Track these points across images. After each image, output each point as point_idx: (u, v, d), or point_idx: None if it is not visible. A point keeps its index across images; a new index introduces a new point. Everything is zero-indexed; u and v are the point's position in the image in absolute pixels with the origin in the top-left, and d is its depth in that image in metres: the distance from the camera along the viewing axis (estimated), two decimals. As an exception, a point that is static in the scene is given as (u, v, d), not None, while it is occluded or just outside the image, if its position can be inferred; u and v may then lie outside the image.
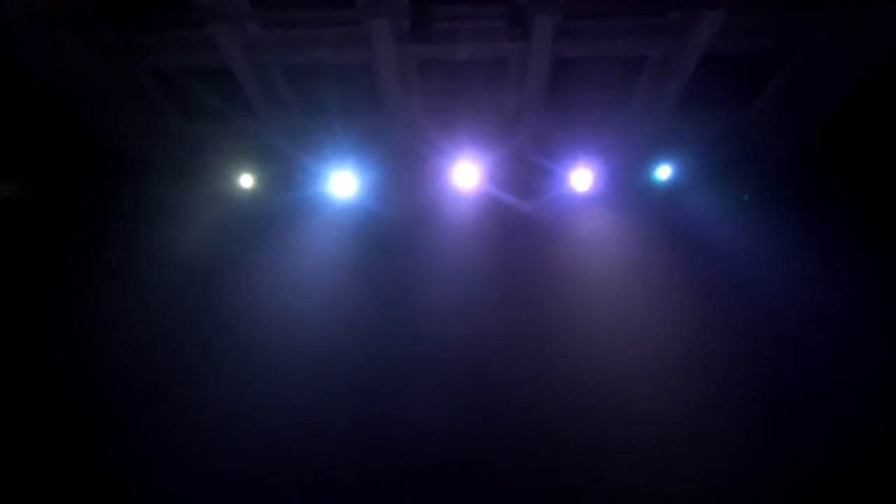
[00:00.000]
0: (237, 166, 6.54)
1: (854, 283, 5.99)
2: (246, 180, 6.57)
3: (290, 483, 5.74)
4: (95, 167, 6.27)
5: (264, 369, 6.15)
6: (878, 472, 5.41)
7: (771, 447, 5.68)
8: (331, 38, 5.27)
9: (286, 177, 6.59)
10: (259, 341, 6.28)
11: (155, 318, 6.37)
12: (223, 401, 5.98)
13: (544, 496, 5.62)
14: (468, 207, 6.68)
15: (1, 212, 6.03)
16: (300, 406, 5.94)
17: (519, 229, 6.62)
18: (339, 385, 6.06)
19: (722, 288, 6.34)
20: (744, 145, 6.27)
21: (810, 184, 6.13)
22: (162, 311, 6.40)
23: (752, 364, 6.00)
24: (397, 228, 6.66)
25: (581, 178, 6.38)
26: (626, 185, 6.56)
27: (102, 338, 6.24)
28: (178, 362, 6.17)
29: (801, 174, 6.18)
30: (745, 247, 6.44)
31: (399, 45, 5.24)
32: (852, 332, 5.91)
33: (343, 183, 6.46)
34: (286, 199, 6.70)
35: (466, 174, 6.33)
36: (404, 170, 6.45)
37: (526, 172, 6.39)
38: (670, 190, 6.54)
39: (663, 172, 6.44)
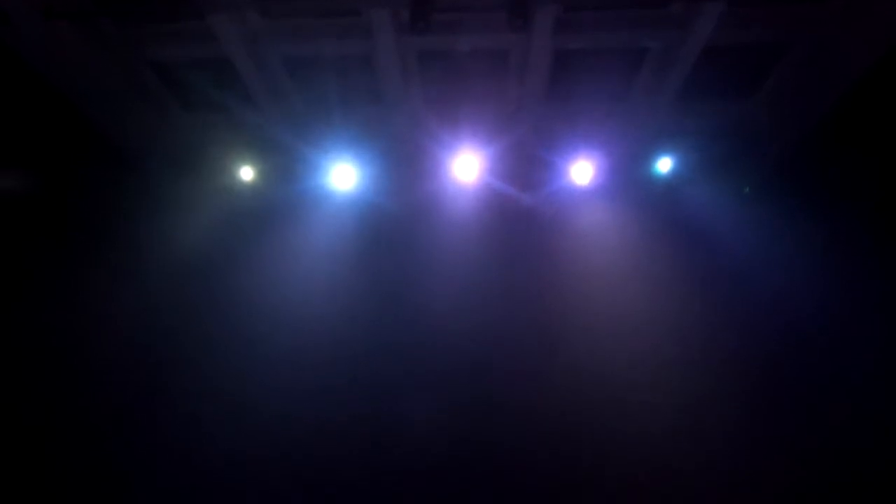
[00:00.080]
0: (237, 159, 6.53)
1: (855, 276, 5.97)
2: (246, 173, 6.57)
3: (290, 477, 5.73)
4: (95, 160, 6.25)
5: (264, 363, 6.13)
6: (878, 465, 5.40)
7: (771, 441, 5.67)
8: (331, 29, 5.26)
9: (287, 169, 6.58)
10: (259, 335, 6.27)
11: (155, 311, 6.37)
12: (223, 394, 5.97)
13: (545, 491, 5.60)
14: (469, 200, 6.67)
15: (1, 205, 6.02)
16: (300, 400, 5.92)
17: (519, 222, 6.61)
18: (340, 379, 6.04)
19: (722, 281, 6.32)
20: (745, 138, 6.26)
21: (811, 177, 6.12)
22: (162, 304, 6.39)
23: (752, 357, 5.98)
24: (398, 221, 6.65)
25: (582, 170, 6.37)
26: (626, 178, 6.55)
27: (102, 331, 6.23)
28: (178, 355, 6.17)
29: (803, 167, 6.17)
30: (746, 240, 6.42)
31: (399, 35, 5.23)
32: (853, 326, 5.90)
33: (343, 175, 6.46)
34: (287, 192, 6.69)
35: (467, 166, 6.33)
36: (405, 162, 6.45)
37: (526, 165, 6.39)
38: (671, 183, 6.53)
39: (664, 165, 6.43)
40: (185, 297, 6.45)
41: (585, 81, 5.78)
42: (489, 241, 6.58)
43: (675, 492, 5.54)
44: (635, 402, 5.85)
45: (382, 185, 6.62)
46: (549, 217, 6.62)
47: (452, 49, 5.43)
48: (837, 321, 5.94)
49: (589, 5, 5.07)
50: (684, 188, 6.56)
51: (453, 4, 4.92)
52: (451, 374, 6.03)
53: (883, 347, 5.74)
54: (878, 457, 5.42)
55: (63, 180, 6.24)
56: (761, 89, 5.87)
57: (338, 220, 6.74)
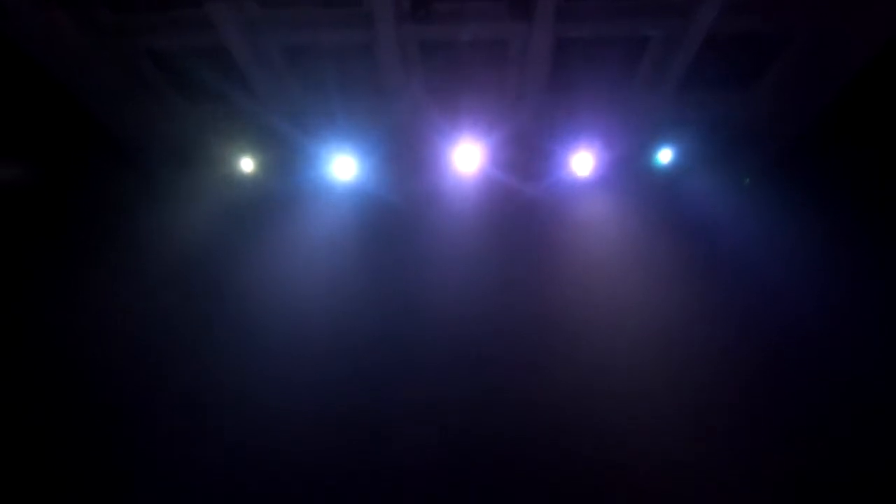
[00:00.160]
0: (237, 150, 6.50)
1: (855, 267, 5.97)
2: (246, 164, 6.54)
3: (290, 469, 5.74)
4: (93, 151, 6.23)
5: (265, 354, 6.14)
6: (878, 456, 5.41)
7: (771, 431, 5.68)
8: (331, 18, 5.22)
9: (287, 160, 6.56)
10: (260, 326, 6.27)
11: (154, 302, 6.34)
12: (224, 387, 5.98)
13: (545, 482, 5.62)
14: (469, 191, 6.65)
15: (0, 196, 5.99)
16: (300, 392, 5.93)
17: (520, 213, 6.60)
18: (339, 370, 6.05)
19: (722, 272, 6.33)
20: (746, 129, 6.25)
21: (812, 168, 6.12)
22: (161, 295, 6.37)
23: (752, 348, 5.99)
24: (398, 212, 6.64)
25: (582, 161, 6.36)
26: (627, 169, 6.54)
27: (102, 324, 6.20)
28: (177, 347, 6.15)
29: (803, 158, 6.16)
30: (746, 231, 6.43)
31: (400, 24, 5.19)
32: (853, 316, 5.91)
33: (344, 166, 6.44)
34: (287, 183, 6.68)
35: (468, 156, 6.32)
36: (405, 152, 6.43)
37: (528, 155, 6.38)
38: (671, 174, 6.52)
39: (664, 156, 6.42)
40: (185, 288, 6.43)
41: (586, 71, 5.75)
42: (490, 231, 6.58)
43: (674, 482, 5.55)
44: (635, 393, 5.86)
45: (383, 176, 6.60)
46: (550, 208, 6.60)
47: (453, 38, 5.40)
48: (837, 311, 5.94)
49: (590, -6, 5.04)
50: (685, 179, 6.56)
51: (454, -7, 4.89)
52: (451, 366, 6.03)
53: (882, 339, 5.75)
54: (878, 448, 5.43)
55: (61, 171, 6.21)
56: (762, 80, 5.86)
57: (338, 211, 6.73)
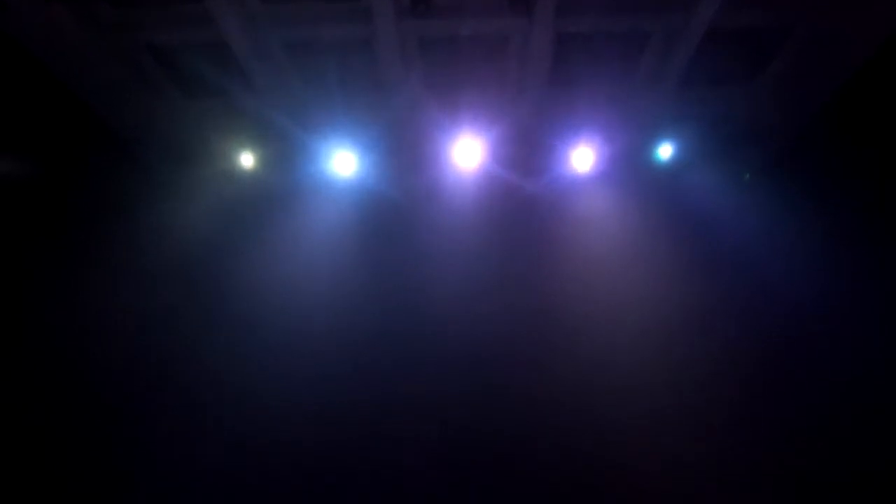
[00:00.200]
0: (237, 145, 6.50)
1: (855, 262, 5.97)
2: (246, 159, 6.54)
3: (290, 463, 5.73)
4: (94, 146, 6.21)
5: (265, 350, 6.12)
6: (877, 452, 5.42)
7: (772, 427, 5.68)
8: (331, 13, 5.21)
9: (287, 156, 6.55)
10: (260, 322, 6.26)
11: (155, 298, 6.34)
12: (225, 382, 5.96)
13: (545, 479, 5.61)
14: (469, 186, 6.65)
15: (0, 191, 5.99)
16: (300, 387, 5.92)
17: (520, 208, 6.60)
18: (340, 366, 6.03)
19: (723, 267, 6.32)
20: (746, 124, 6.25)
21: (812, 164, 6.12)
22: (162, 291, 6.37)
23: (752, 344, 5.99)
24: (398, 208, 6.63)
25: (582, 156, 6.35)
26: (627, 164, 6.54)
27: (102, 320, 6.19)
28: (178, 342, 6.14)
29: (804, 154, 6.16)
30: (746, 227, 6.43)
31: (400, 19, 5.18)
32: (853, 311, 5.91)
33: (344, 162, 6.43)
34: (287, 179, 6.67)
35: (468, 152, 6.31)
36: (405, 147, 6.42)
37: (528, 150, 6.37)
38: (672, 169, 6.52)
39: (665, 151, 6.41)
40: (184, 283, 6.43)
41: (587, 66, 5.74)
42: (490, 227, 6.57)
43: (674, 478, 5.55)
44: (635, 389, 5.86)
45: (383, 172, 6.59)
46: (550, 204, 6.60)
47: (453, 33, 5.39)
48: (837, 308, 5.94)
49: (591, -12, 5.04)
50: (685, 175, 6.55)
51: (455, -13, 4.89)
52: (451, 361, 6.03)
53: (883, 336, 5.75)
54: (878, 445, 5.43)
55: (61, 166, 6.19)
56: (763, 75, 5.85)
57: (338, 206, 6.72)
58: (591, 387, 5.87)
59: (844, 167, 5.93)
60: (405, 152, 6.50)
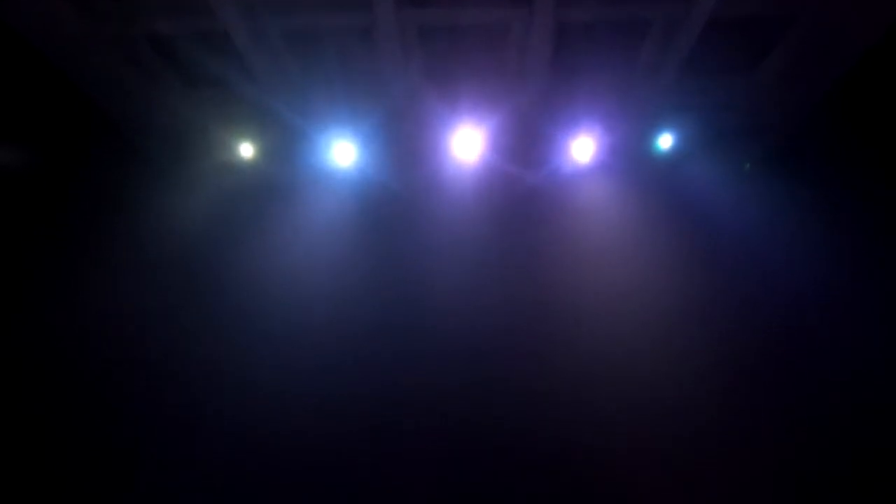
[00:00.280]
0: (237, 135, 6.48)
1: (856, 254, 5.96)
2: (246, 150, 6.52)
3: (291, 457, 5.73)
4: (93, 136, 6.20)
5: (265, 342, 6.11)
6: (877, 443, 5.42)
7: (772, 419, 5.68)
8: (330, 1, 5.18)
9: (286, 146, 6.53)
10: (260, 313, 6.25)
11: (154, 288, 6.34)
12: (224, 373, 5.96)
13: (545, 470, 5.61)
14: (469, 176, 6.64)
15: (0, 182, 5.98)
16: (300, 379, 5.92)
17: (520, 199, 6.58)
18: (340, 358, 6.03)
19: (723, 258, 6.31)
20: (747, 114, 6.22)
21: (814, 154, 6.10)
22: (162, 282, 6.36)
23: (752, 335, 5.98)
24: (399, 198, 6.62)
25: (583, 147, 6.33)
26: (627, 155, 6.51)
27: (102, 309, 6.19)
28: (177, 334, 6.14)
29: (805, 144, 6.14)
30: (747, 217, 6.41)
31: (400, 8, 5.15)
32: (853, 304, 5.90)
33: (343, 152, 6.41)
34: (286, 169, 6.65)
35: (467, 142, 6.29)
36: (404, 138, 6.40)
37: (528, 140, 6.35)
38: (672, 159, 6.50)
39: (665, 141, 6.40)
40: (183, 274, 6.42)
41: (587, 55, 5.71)
42: (490, 217, 6.55)
43: (675, 470, 5.55)
44: (635, 380, 5.85)
45: (382, 162, 6.57)
46: (551, 194, 6.58)
47: (453, 22, 5.36)
48: (838, 297, 5.93)
49: (592, -23, 5.01)
50: (686, 164, 6.53)
51: (454, -24, 4.85)
52: (451, 353, 6.02)
53: (883, 326, 5.74)
54: (879, 441, 5.43)
55: (60, 156, 6.17)
56: (765, 66, 5.81)
57: (338, 197, 6.71)
58: (591, 378, 5.87)
59: (846, 157, 5.91)
60: (404, 143, 6.48)
